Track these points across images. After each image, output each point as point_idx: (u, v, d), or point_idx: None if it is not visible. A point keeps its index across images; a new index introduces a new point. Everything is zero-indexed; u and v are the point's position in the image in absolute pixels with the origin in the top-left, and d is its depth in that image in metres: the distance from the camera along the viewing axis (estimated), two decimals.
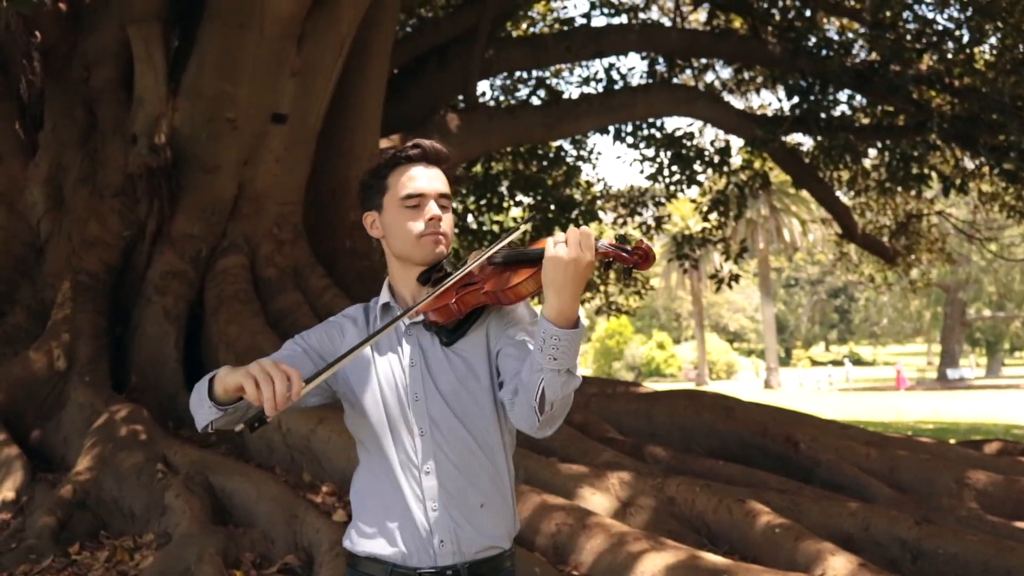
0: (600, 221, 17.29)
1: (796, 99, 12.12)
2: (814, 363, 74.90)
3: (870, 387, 47.28)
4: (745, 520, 5.40)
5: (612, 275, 17.73)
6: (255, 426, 2.15)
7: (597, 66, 14.52)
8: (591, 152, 16.45)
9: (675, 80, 14.21)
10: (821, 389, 47.31)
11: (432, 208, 2.50)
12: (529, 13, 15.29)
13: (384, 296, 2.58)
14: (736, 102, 14.98)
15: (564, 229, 11.30)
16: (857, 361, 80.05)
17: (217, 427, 2.35)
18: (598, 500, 5.77)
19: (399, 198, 2.50)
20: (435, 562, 2.41)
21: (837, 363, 66.26)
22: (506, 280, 2.37)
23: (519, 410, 2.35)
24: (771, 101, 54.57)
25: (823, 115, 11.99)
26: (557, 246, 2.17)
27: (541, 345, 2.20)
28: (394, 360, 2.49)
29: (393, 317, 2.46)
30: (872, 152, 14.04)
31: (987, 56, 12.69)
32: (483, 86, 15.07)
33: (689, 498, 5.71)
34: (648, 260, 2.25)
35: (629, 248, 2.26)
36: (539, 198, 15.29)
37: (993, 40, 12.16)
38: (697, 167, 14.44)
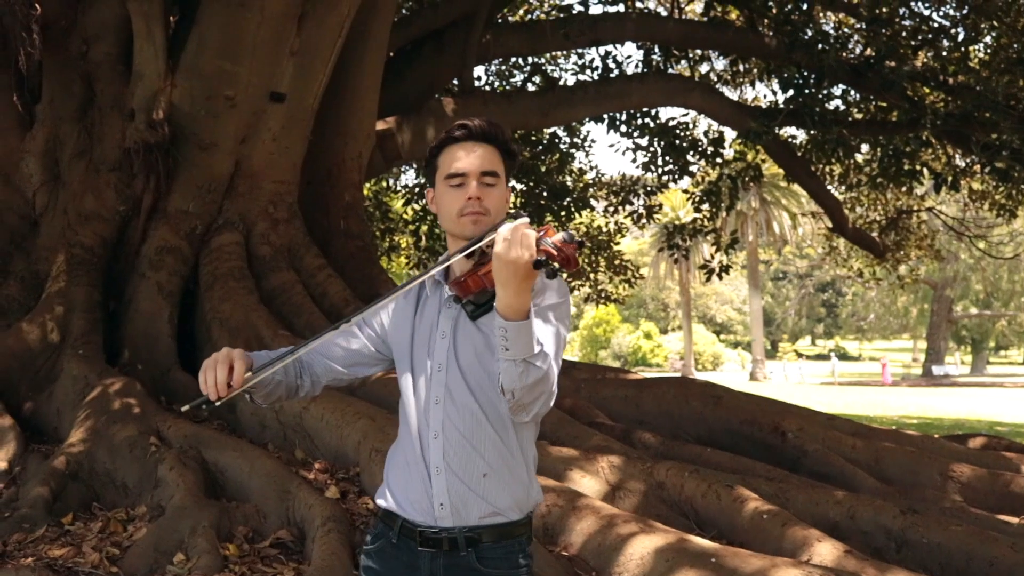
0: (592, 209, 17.35)
1: (791, 92, 12.16)
2: (800, 356, 75.09)
3: (856, 382, 47.42)
4: (733, 506, 5.46)
5: (603, 262, 17.84)
6: (202, 408, 2.51)
7: (593, 54, 14.54)
8: (585, 140, 16.50)
9: (671, 70, 14.24)
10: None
11: (471, 188, 2.57)
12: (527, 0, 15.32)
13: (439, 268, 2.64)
14: (731, 94, 15.03)
15: (556, 216, 11.32)
16: (843, 356, 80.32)
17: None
18: (588, 483, 5.82)
19: (444, 177, 2.61)
20: (435, 523, 2.54)
21: (823, 357, 66.45)
22: (473, 274, 2.47)
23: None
24: (765, 94, 54.54)
25: (817, 109, 12.02)
26: (500, 243, 2.24)
27: (496, 336, 2.33)
28: (434, 330, 2.61)
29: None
30: (865, 147, 14.11)
31: (982, 55, 12.77)
32: (479, 71, 15.12)
33: (678, 483, 5.77)
34: (570, 265, 2.27)
35: (559, 246, 2.26)
36: (532, 184, 15.33)
37: (988, 39, 12.25)
38: (690, 157, 14.49)
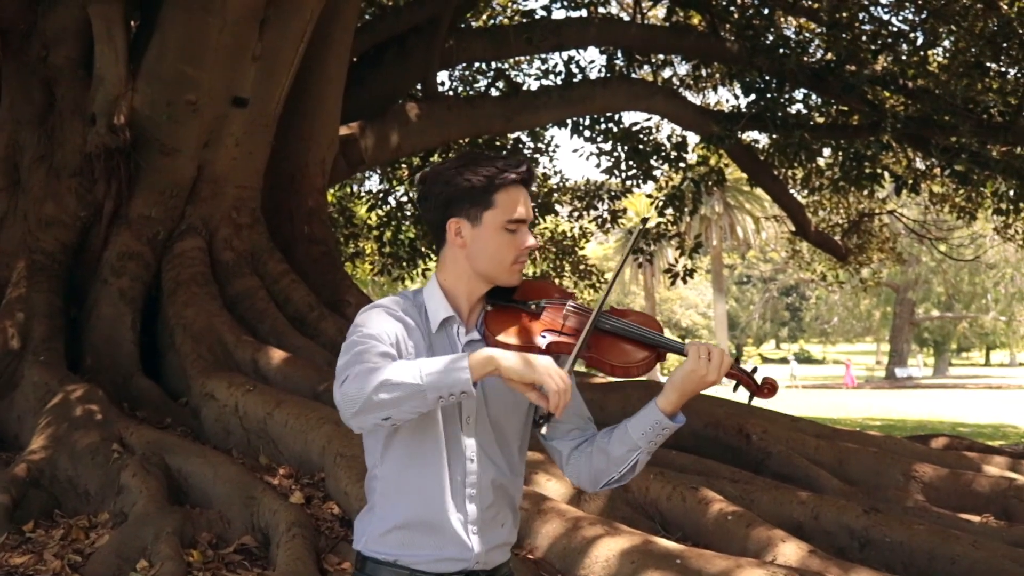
0: (556, 214, 17.37)
1: (752, 96, 12.23)
2: (764, 360, 75.45)
3: (819, 385, 47.71)
4: (698, 507, 5.49)
5: (567, 267, 17.86)
6: (545, 424, 2.40)
7: (556, 59, 14.55)
8: (548, 145, 16.52)
9: (634, 75, 14.29)
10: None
11: (529, 238, 2.48)
12: (490, 4, 15.32)
13: (441, 308, 2.51)
14: (693, 98, 15.09)
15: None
16: (807, 359, 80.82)
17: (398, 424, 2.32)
18: (553, 486, 5.83)
19: (505, 219, 2.44)
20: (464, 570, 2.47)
21: (787, 360, 66.78)
22: (616, 354, 2.45)
23: (586, 469, 2.53)
24: (728, 98, 54.83)
25: (779, 113, 12.11)
26: (702, 361, 2.35)
27: (645, 431, 2.41)
28: None
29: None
30: (826, 151, 14.20)
31: (940, 59, 12.89)
32: (442, 76, 15.08)
33: (643, 485, 5.79)
34: (773, 392, 2.49)
35: (759, 381, 2.48)
36: None
37: (947, 43, 12.39)
38: (653, 162, 14.53)
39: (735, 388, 2.50)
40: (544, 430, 2.42)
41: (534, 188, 14.95)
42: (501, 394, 2.47)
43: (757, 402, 2.57)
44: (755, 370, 2.45)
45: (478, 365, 2.18)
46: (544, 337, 2.43)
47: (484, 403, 2.47)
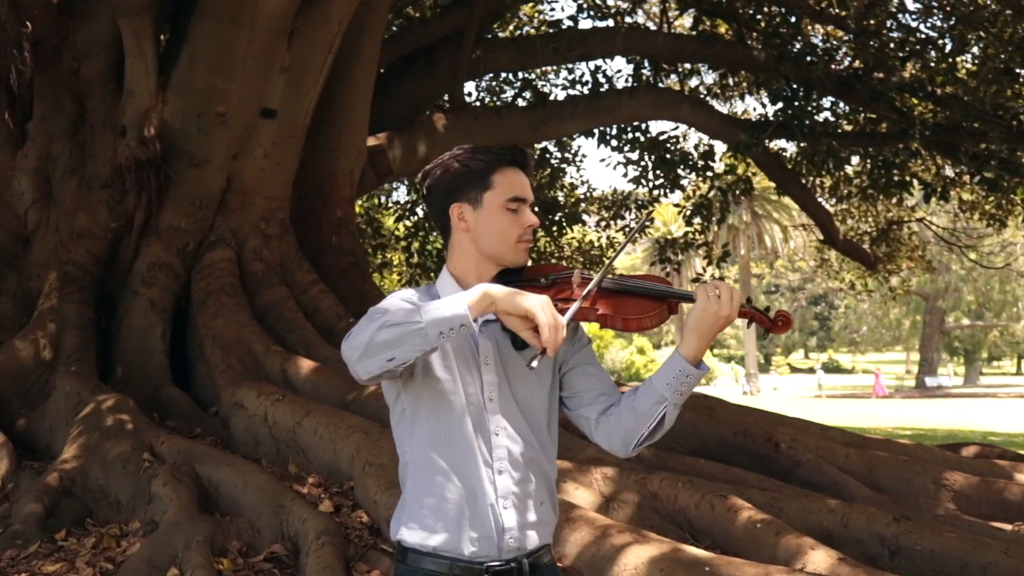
0: (584, 224, 17.38)
1: (780, 104, 12.21)
2: (793, 370, 75.12)
3: (849, 394, 47.45)
4: (727, 515, 5.47)
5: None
6: (537, 361, 2.36)
7: (583, 68, 14.57)
8: (576, 154, 16.54)
9: (660, 84, 14.29)
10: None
11: (530, 216, 2.58)
12: (517, 15, 15.36)
13: (450, 290, 2.57)
14: (720, 107, 15.08)
15: (548, 232, 11.37)
16: (836, 368, 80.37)
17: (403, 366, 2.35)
18: (581, 494, 5.82)
19: (505, 199, 2.55)
20: (501, 556, 2.49)
21: (811, 371, 66.50)
22: (626, 309, 2.52)
23: (615, 431, 2.55)
24: (755, 107, 54.73)
25: (806, 121, 12.08)
26: (712, 299, 2.40)
27: (670, 380, 2.44)
28: (473, 355, 2.55)
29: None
30: (854, 159, 14.15)
31: (969, 65, 12.82)
32: (469, 87, 15.15)
33: (672, 493, 5.77)
34: (788, 326, 2.52)
35: (772, 315, 2.53)
36: None
37: (975, 49, 12.32)
38: (680, 171, 14.52)
39: (748, 324, 2.56)
40: (533, 364, 2.36)
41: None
42: (522, 370, 2.53)
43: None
44: (768, 309, 2.49)
45: (475, 300, 2.27)
46: (559, 304, 2.47)
47: (506, 380, 2.54)
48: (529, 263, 2.65)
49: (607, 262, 2.61)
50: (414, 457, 2.54)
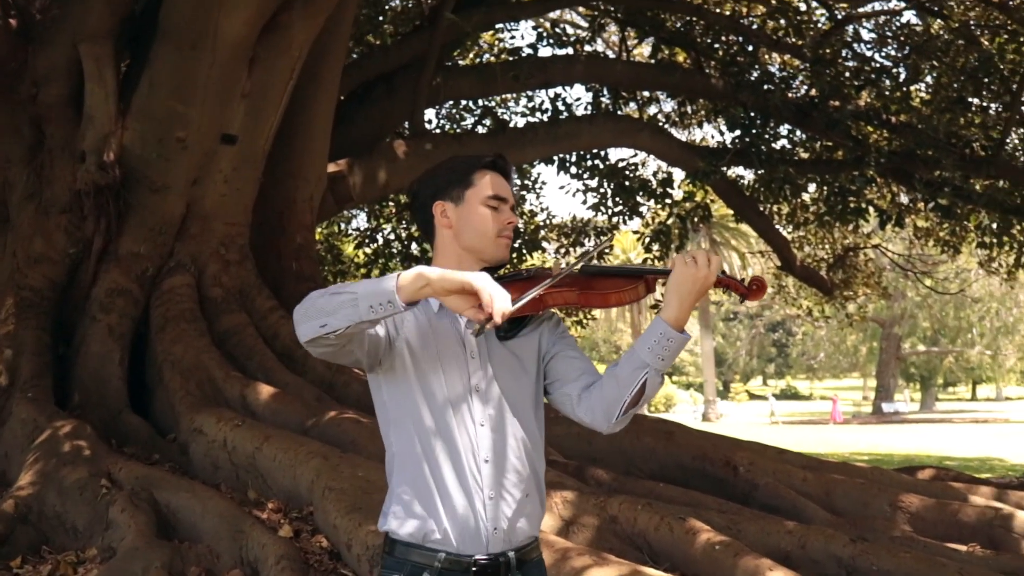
0: (543, 251, 17.43)
1: (738, 132, 12.35)
2: (751, 396, 75.45)
3: (806, 420, 47.69)
4: (686, 537, 5.51)
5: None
6: (482, 331, 2.33)
7: (543, 96, 14.68)
8: (535, 182, 16.62)
9: (619, 112, 14.39)
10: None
11: (509, 213, 2.67)
12: (477, 42, 15.43)
13: None
14: (679, 135, 15.20)
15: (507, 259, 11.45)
16: (794, 395, 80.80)
17: (339, 334, 2.35)
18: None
19: (485, 196, 2.65)
20: (487, 549, 2.51)
21: (763, 397, 66.80)
22: (603, 286, 2.60)
23: (598, 403, 2.57)
24: (713, 134, 55.14)
25: (764, 148, 12.22)
26: (689, 263, 2.45)
27: (652, 345, 2.47)
28: (458, 351, 2.60)
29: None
30: (811, 186, 14.32)
31: (923, 94, 13.04)
32: (430, 114, 15.19)
33: (631, 516, 5.81)
34: (763, 290, 2.58)
35: (746, 281, 2.58)
36: None
37: (929, 79, 12.54)
38: (639, 198, 14.61)
39: (726, 291, 2.66)
40: (474, 331, 2.36)
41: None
42: (505, 359, 2.61)
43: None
44: (743, 279, 2.56)
45: (407, 280, 2.30)
46: (545, 289, 2.53)
47: (492, 371, 2.59)
48: (508, 267, 2.71)
49: (576, 259, 2.67)
50: (399, 448, 2.58)
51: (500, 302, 2.28)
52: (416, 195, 2.74)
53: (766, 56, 14.03)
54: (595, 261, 2.73)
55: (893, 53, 12.97)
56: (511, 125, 14.81)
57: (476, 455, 2.53)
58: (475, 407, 2.56)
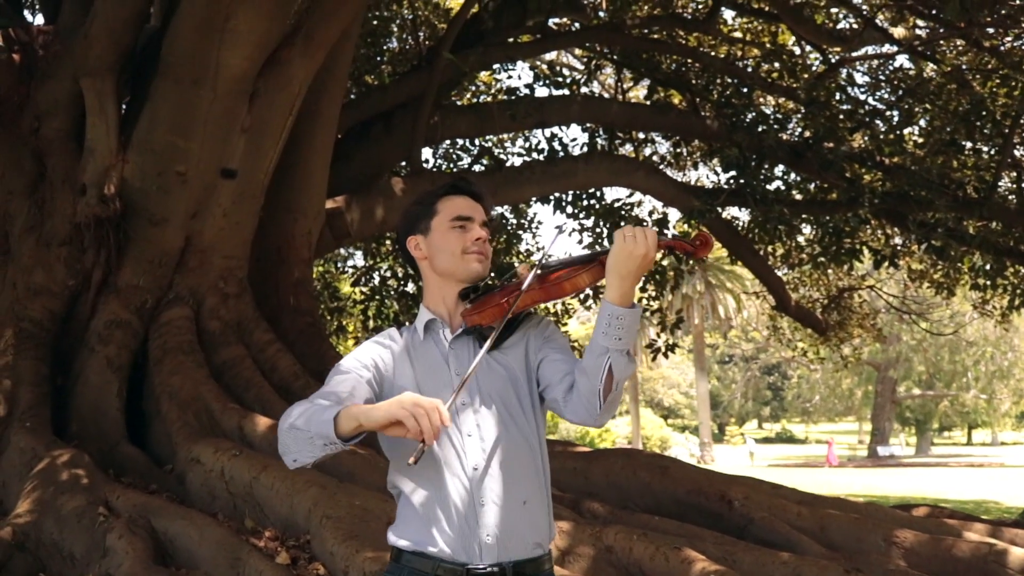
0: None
1: (733, 172, 12.44)
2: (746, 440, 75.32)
3: (802, 464, 47.60)
4: (681, 567, 5.53)
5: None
6: (421, 455, 2.33)
7: (540, 136, 14.79)
8: (531, 221, 16.68)
9: (615, 152, 14.49)
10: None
11: (477, 229, 2.75)
12: (474, 82, 15.56)
13: (424, 316, 2.78)
14: (674, 175, 15.30)
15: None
16: (789, 438, 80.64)
17: (311, 464, 2.47)
18: None
19: (448, 219, 2.74)
20: (482, 559, 2.55)
21: (769, 440, 66.70)
22: (567, 274, 2.65)
23: (579, 400, 2.60)
24: (708, 175, 55.37)
25: (759, 189, 12.30)
26: (628, 239, 2.47)
27: (605, 328, 2.49)
28: (443, 373, 2.68)
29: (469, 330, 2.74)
30: (806, 227, 14.40)
31: (916, 136, 13.16)
32: (427, 152, 15.29)
33: (626, 546, 5.83)
34: (708, 245, 2.61)
35: (690, 237, 2.63)
36: None
37: (922, 121, 12.68)
38: None
39: (674, 254, 2.68)
40: (411, 460, 2.35)
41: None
42: (494, 370, 2.68)
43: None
44: (686, 235, 2.58)
45: (342, 422, 2.35)
46: (509, 300, 2.63)
47: (479, 383, 2.65)
48: (489, 281, 2.78)
49: (539, 258, 2.76)
50: (397, 463, 2.67)
51: (429, 420, 2.27)
52: (397, 239, 2.88)
53: (760, 98, 14.17)
54: (552, 257, 2.79)
55: (887, 96, 13.13)
56: (508, 164, 14.89)
57: (464, 464, 2.58)
58: (462, 418, 2.61)
